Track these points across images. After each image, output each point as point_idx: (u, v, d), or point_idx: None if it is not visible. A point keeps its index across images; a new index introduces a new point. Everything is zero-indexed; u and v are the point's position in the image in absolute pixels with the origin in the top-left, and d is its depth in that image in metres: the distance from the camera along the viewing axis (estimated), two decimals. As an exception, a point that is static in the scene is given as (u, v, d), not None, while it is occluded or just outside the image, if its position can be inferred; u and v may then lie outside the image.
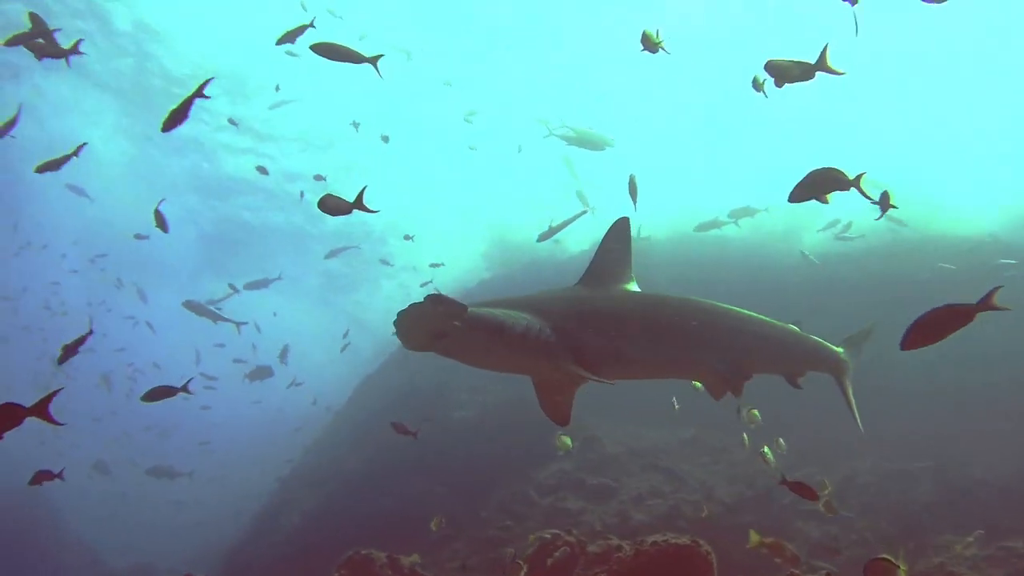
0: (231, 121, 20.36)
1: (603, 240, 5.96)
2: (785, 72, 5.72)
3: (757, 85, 6.74)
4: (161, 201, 10.60)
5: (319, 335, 38.87)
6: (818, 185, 5.53)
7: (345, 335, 22.98)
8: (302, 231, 33.54)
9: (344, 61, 7.28)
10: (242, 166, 27.73)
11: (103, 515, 32.52)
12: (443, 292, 5.40)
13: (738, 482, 12.20)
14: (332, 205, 6.29)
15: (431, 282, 19.61)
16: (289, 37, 9.38)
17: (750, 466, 12.30)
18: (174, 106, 6.08)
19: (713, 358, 5.65)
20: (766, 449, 8.59)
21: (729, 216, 17.49)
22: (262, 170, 19.90)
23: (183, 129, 6.47)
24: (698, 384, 9.66)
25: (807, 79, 5.72)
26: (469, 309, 5.07)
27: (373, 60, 7.35)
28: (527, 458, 12.51)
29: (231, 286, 22.91)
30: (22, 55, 12.30)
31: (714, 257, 17.15)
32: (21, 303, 33.79)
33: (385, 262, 29.51)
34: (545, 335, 5.29)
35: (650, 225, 17.64)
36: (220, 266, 34.96)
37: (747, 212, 17.41)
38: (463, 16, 23.16)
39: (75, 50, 7.45)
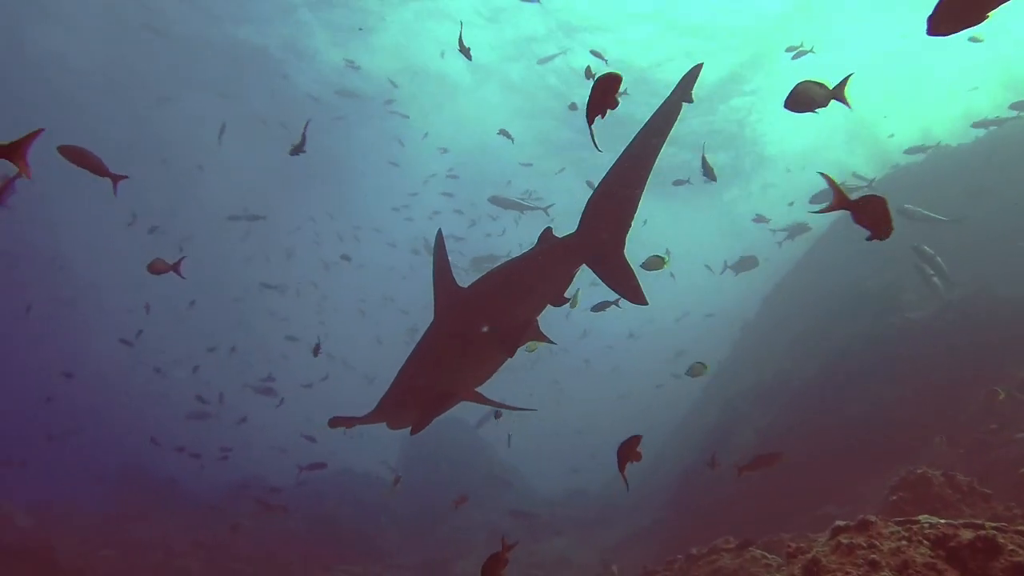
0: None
1: (435, 262, 5.95)
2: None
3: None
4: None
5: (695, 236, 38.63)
6: None
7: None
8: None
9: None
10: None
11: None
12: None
13: None
14: (803, 96, 4.91)
15: None
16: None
17: None
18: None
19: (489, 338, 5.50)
20: None
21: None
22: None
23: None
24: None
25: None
26: (360, 416, 5.56)
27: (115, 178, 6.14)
28: (1002, 355, 11.60)
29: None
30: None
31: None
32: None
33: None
34: (397, 401, 5.67)
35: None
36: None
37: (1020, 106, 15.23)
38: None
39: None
